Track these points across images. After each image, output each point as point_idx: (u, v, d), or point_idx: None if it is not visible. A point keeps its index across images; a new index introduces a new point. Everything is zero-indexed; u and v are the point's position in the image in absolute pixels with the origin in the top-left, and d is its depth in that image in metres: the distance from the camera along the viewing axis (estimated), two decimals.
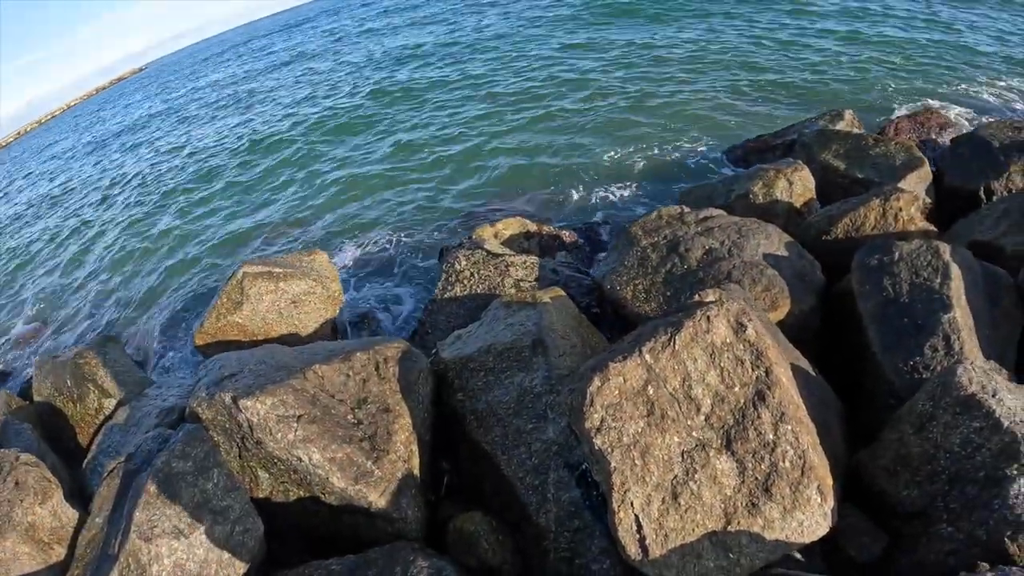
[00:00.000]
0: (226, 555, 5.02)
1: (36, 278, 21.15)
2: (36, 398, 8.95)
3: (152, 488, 5.06)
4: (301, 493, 5.65)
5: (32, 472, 6.18)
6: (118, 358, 9.40)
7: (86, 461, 7.29)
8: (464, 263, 8.86)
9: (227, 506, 5.18)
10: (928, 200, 8.99)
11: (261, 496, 5.72)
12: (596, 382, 4.66)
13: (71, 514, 6.03)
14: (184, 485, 5.12)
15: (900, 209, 7.63)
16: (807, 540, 4.20)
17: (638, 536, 4.29)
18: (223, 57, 76.95)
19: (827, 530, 4.24)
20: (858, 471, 5.09)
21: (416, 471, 5.83)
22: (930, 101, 15.34)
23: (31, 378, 9.71)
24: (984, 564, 3.79)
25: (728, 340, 4.68)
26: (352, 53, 41.48)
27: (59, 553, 5.74)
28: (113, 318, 15.79)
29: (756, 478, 4.25)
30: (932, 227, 7.80)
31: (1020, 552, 3.98)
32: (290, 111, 30.65)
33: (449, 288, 8.76)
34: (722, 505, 4.25)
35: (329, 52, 45.16)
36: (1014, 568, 3.58)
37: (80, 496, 6.53)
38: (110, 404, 8.51)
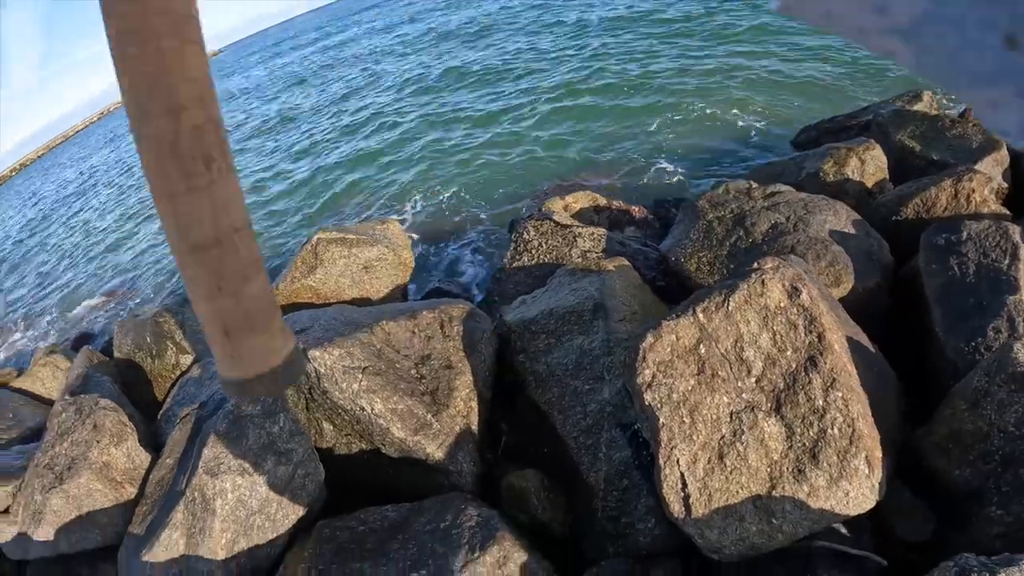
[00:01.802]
0: (287, 495, 5.25)
1: (115, 251, 22.12)
2: (116, 355, 9.38)
3: (221, 428, 5.33)
4: (363, 445, 5.85)
5: (110, 416, 6.57)
6: (195, 318, 9.79)
7: (161, 412, 7.65)
8: (533, 233, 8.97)
9: (291, 449, 5.41)
10: (1005, 184, 8.73)
11: (324, 447, 5.94)
12: (649, 339, 4.74)
13: (144, 457, 6.41)
14: (251, 427, 5.37)
15: (973, 191, 7.40)
16: (852, 512, 4.17)
17: (682, 494, 4.36)
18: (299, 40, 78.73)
19: (874, 503, 4.19)
20: (914, 450, 5.02)
21: (474, 427, 5.98)
22: None
23: (111, 338, 10.20)
24: None
25: (782, 304, 4.69)
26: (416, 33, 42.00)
27: (130, 492, 6.11)
28: None
29: (804, 444, 4.25)
30: (1006, 211, 7.55)
31: None
32: (358, 90, 31.21)
33: (517, 258, 8.89)
34: (768, 469, 4.27)
35: (392, 38, 45.81)
36: None
37: (154, 444, 6.86)
38: (186, 360, 8.91)
